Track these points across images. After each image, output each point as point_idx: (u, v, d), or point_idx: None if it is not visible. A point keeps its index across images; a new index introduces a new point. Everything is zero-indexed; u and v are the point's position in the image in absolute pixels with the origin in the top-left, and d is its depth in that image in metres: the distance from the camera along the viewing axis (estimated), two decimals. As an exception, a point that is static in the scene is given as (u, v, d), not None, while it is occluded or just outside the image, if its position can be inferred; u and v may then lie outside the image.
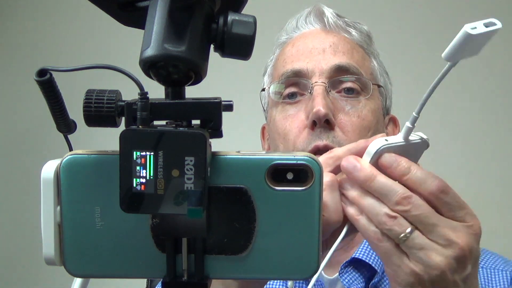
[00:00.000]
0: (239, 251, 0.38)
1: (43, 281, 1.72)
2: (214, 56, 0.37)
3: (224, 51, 0.36)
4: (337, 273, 0.73)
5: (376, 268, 0.71)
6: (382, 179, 0.47)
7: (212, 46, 0.37)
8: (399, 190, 0.46)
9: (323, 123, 0.71)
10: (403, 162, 0.47)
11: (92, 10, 0.42)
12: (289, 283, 0.74)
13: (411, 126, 0.48)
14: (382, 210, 0.46)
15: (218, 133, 0.36)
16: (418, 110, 0.47)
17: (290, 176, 0.37)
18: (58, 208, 0.37)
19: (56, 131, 0.40)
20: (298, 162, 0.37)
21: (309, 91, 0.74)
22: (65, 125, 0.39)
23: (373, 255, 0.72)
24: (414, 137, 0.49)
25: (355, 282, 0.71)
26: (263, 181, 0.37)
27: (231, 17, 0.36)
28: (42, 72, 0.36)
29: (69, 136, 0.41)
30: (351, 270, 0.72)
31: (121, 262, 0.38)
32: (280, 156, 0.37)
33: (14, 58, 1.93)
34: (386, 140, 0.48)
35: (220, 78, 1.29)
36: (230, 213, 0.37)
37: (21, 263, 1.82)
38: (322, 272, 0.74)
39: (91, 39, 1.80)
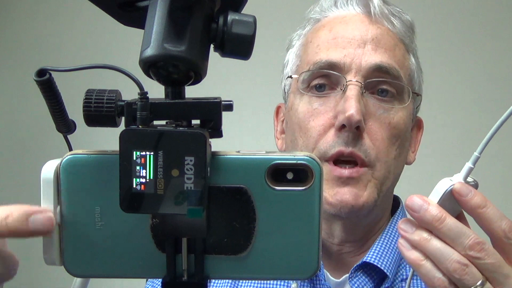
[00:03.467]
0: (239, 251, 0.38)
1: (43, 281, 1.72)
2: (214, 56, 0.37)
3: (224, 51, 0.36)
4: (344, 276, 0.71)
5: (387, 273, 0.69)
6: (452, 221, 0.44)
7: (212, 46, 0.37)
8: (472, 234, 0.43)
9: (353, 129, 0.65)
10: (479, 194, 0.44)
11: (92, 10, 0.42)
12: (293, 284, 0.72)
13: (472, 167, 0.46)
14: (452, 257, 0.43)
15: (218, 133, 0.36)
16: (480, 150, 0.46)
17: (290, 176, 0.37)
18: (58, 208, 0.37)
19: (56, 131, 0.40)
20: (298, 162, 0.37)
21: (342, 88, 0.67)
22: (65, 125, 0.39)
23: (385, 259, 0.69)
24: (468, 179, 0.47)
25: (365, 287, 0.69)
26: (263, 181, 0.37)
27: (231, 17, 0.36)
28: (41, 72, 0.36)
29: (69, 136, 0.41)
30: (361, 274, 0.69)
31: (121, 262, 0.38)
32: (280, 156, 0.37)
33: (14, 58, 1.93)
34: (451, 180, 0.46)
35: (220, 78, 1.29)
36: (230, 213, 0.37)
37: (21, 263, 1.82)
38: (329, 274, 0.72)
39: (91, 39, 1.80)
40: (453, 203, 0.47)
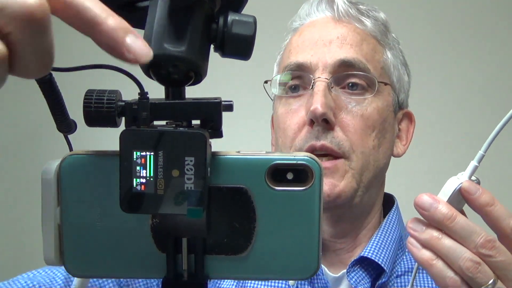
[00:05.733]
0: (239, 251, 0.38)
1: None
2: (214, 56, 0.38)
3: (224, 51, 0.36)
4: (341, 272, 0.72)
5: (384, 267, 0.70)
6: (463, 219, 0.44)
7: (212, 46, 0.37)
8: (482, 232, 0.43)
9: (321, 122, 0.68)
10: (487, 193, 0.44)
11: (92, 10, 0.42)
12: (291, 281, 0.72)
13: (477, 165, 0.46)
14: (465, 255, 0.43)
15: (218, 133, 0.36)
16: (485, 148, 0.46)
17: (290, 176, 0.37)
18: (58, 208, 0.37)
19: (56, 131, 0.40)
20: (298, 162, 0.37)
21: (311, 86, 0.70)
22: (65, 125, 0.39)
23: (382, 254, 0.71)
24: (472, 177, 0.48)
25: (362, 281, 0.70)
26: (263, 181, 0.37)
27: (231, 17, 0.36)
28: (42, 72, 0.36)
29: (69, 136, 0.41)
30: (358, 269, 0.71)
31: (121, 262, 0.38)
32: (280, 156, 0.37)
33: (14, 58, 1.93)
34: (458, 178, 0.47)
35: (220, 78, 1.29)
36: (230, 213, 0.37)
37: (21, 263, 1.82)
38: (327, 270, 0.73)
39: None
40: (457, 201, 0.47)
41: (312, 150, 0.69)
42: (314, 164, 0.37)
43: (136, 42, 0.29)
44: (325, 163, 0.68)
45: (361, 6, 0.76)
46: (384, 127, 0.73)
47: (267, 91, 0.81)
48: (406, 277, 0.73)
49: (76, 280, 0.43)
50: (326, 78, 0.69)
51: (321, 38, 0.72)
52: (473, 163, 0.47)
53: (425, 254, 0.45)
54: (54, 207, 0.37)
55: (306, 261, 0.38)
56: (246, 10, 0.38)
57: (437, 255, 0.45)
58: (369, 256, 0.70)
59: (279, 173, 0.37)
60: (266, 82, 0.79)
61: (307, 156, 0.37)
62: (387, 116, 0.73)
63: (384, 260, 0.70)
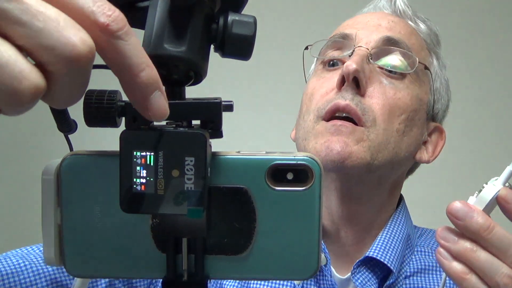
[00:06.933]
0: (239, 251, 0.38)
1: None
2: (214, 56, 0.38)
3: (224, 51, 0.36)
4: (348, 274, 0.69)
5: (391, 267, 0.67)
6: (501, 230, 0.41)
7: (212, 46, 0.37)
8: None
9: (351, 82, 0.64)
10: None
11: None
12: (296, 281, 0.70)
13: None
14: (502, 270, 0.40)
15: (218, 133, 0.36)
16: None
17: (290, 176, 0.37)
18: (58, 208, 0.37)
19: (56, 131, 0.40)
20: (298, 162, 0.37)
21: (350, 54, 0.67)
22: (66, 125, 0.39)
23: (389, 254, 0.68)
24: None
25: (368, 282, 0.67)
26: (263, 181, 0.37)
27: (231, 17, 0.36)
28: (42, 72, 0.36)
29: (70, 136, 0.41)
30: (364, 270, 0.68)
31: (121, 262, 0.38)
32: (280, 157, 0.37)
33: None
34: (494, 185, 0.44)
35: (220, 78, 1.29)
36: (230, 213, 0.37)
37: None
38: (334, 271, 0.70)
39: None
40: (488, 210, 0.44)
41: (335, 109, 0.65)
42: (314, 164, 0.37)
43: (159, 102, 0.29)
44: (344, 122, 0.64)
45: (418, 13, 0.76)
46: (414, 118, 0.69)
47: (304, 65, 0.78)
48: (415, 278, 0.70)
49: (76, 280, 0.43)
50: (366, 48, 0.67)
51: (372, 20, 0.72)
52: (509, 168, 0.44)
53: (457, 267, 0.42)
54: (54, 207, 0.37)
55: (306, 261, 0.38)
56: (246, 10, 0.38)
57: (470, 269, 0.42)
58: (374, 256, 0.67)
59: (279, 173, 0.37)
60: (306, 48, 0.76)
61: (307, 156, 0.37)
62: (418, 109, 0.70)
63: (391, 260, 0.68)
